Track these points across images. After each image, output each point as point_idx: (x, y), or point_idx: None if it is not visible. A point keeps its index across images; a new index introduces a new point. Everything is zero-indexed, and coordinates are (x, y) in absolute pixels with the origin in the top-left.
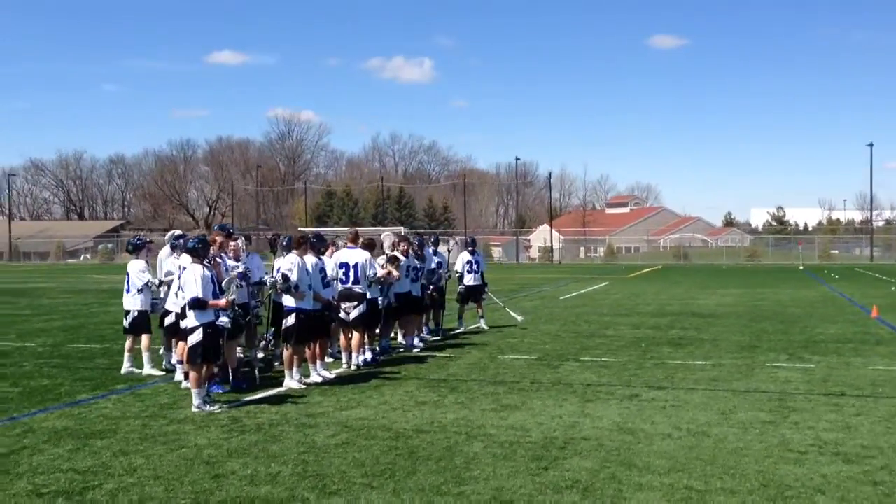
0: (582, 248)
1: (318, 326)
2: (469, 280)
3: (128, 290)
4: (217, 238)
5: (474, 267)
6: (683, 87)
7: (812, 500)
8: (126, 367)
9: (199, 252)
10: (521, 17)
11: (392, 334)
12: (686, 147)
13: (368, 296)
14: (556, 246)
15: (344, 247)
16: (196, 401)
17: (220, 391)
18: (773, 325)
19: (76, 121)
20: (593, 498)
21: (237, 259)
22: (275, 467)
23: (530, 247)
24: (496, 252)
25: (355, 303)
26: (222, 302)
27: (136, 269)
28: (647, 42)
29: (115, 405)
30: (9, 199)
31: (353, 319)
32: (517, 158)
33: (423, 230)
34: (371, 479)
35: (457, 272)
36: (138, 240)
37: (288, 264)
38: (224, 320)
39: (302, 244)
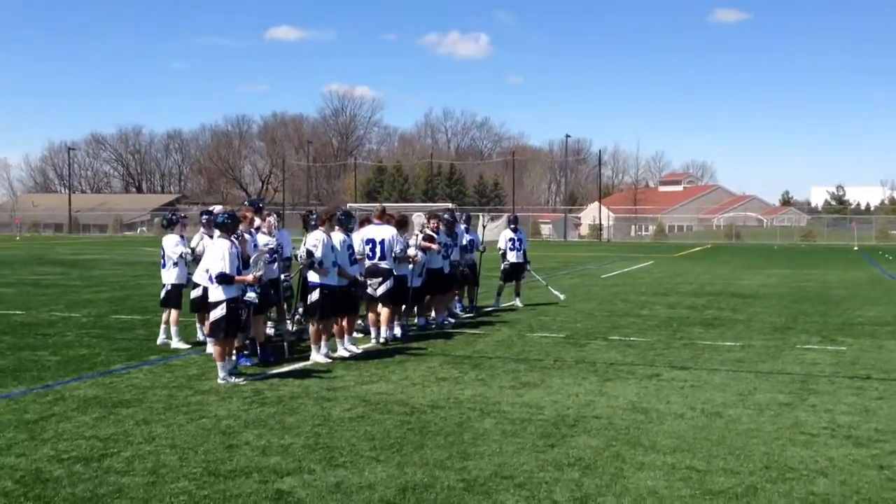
0: (633, 227)
1: (343, 302)
2: (512, 257)
3: (163, 265)
4: (247, 214)
5: (517, 244)
6: (744, 63)
7: (813, 482)
8: (161, 338)
9: (227, 227)
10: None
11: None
12: (744, 125)
13: (395, 272)
14: (606, 224)
15: (371, 223)
16: (221, 373)
17: (249, 364)
18: (812, 307)
19: (139, 96)
20: (593, 475)
21: (269, 234)
22: (288, 439)
23: (580, 224)
24: (545, 229)
25: (381, 278)
26: (249, 277)
27: (171, 244)
28: (709, 17)
29: (145, 375)
30: (69, 172)
31: (381, 295)
32: (567, 136)
33: (472, 207)
34: (379, 452)
35: (499, 249)
36: (173, 215)
37: (313, 240)
38: (251, 296)
39: (328, 221)
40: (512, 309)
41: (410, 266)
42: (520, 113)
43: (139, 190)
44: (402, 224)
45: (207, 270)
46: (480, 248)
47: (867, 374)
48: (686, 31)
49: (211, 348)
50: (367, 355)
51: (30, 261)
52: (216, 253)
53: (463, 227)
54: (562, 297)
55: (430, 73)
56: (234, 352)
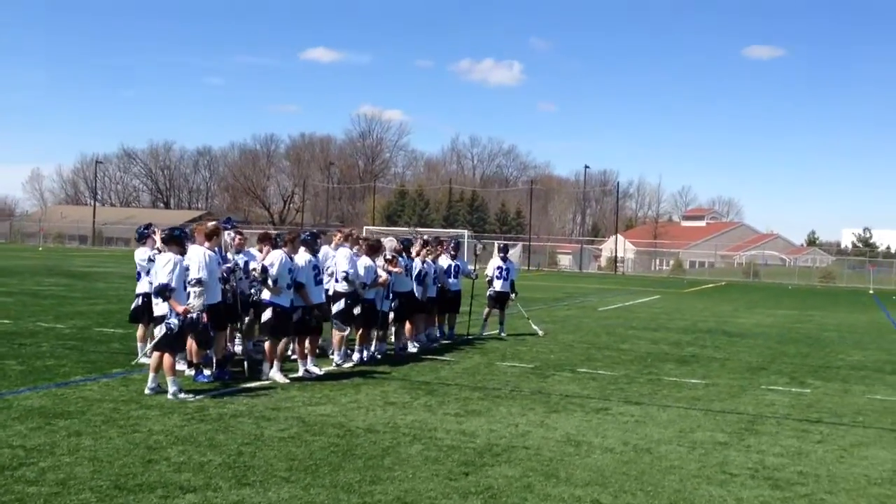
0: (654, 261)
1: (299, 323)
2: (497, 286)
3: (138, 278)
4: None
5: (503, 273)
6: (777, 100)
7: None
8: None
9: (176, 240)
10: (616, 24)
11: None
12: (774, 162)
13: (365, 296)
14: (628, 257)
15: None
16: (171, 387)
17: (205, 380)
18: (797, 348)
19: (172, 112)
20: (495, 503)
21: (238, 252)
22: (209, 456)
23: (600, 256)
24: (564, 260)
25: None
26: (179, 308)
27: (141, 256)
28: (743, 52)
29: (99, 388)
30: (94, 185)
31: (349, 318)
32: (586, 167)
33: (493, 234)
34: (292, 473)
35: (486, 276)
36: (145, 228)
37: (271, 258)
38: (173, 322)
39: (290, 242)
40: (496, 338)
41: (381, 289)
42: (548, 142)
43: (167, 205)
44: (375, 249)
45: (151, 283)
46: (472, 275)
47: (819, 417)
48: (720, 65)
49: (182, 365)
50: (330, 377)
51: (41, 271)
52: (162, 265)
53: (450, 254)
54: (541, 332)
55: (460, 99)
56: (193, 368)
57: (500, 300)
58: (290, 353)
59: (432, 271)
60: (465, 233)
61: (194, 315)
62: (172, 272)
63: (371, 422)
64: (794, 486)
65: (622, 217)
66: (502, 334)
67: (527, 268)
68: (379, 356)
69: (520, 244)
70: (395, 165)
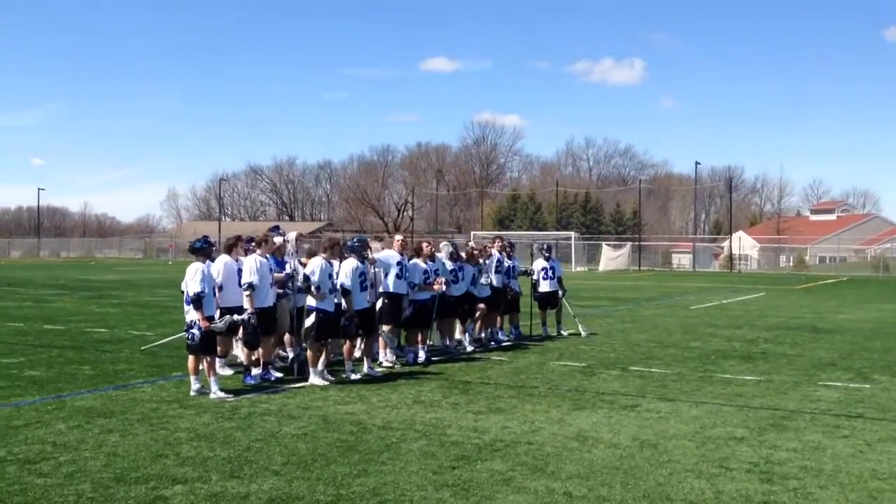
0: (780, 257)
1: (346, 328)
2: (544, 286)
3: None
4: (267, 238)
5: (549, 273)
6: None
7: None
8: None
9: (203, 251)
10: (741, 11)
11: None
12: None
13: (414, 297)
14: (751, 254)
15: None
16: (213, 386)
17: (252, 381)
18: (884, 343)
19: (294, 128)
20: (465, 496)
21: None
22: (218, 451)
23: (720, 254)
24: (683, 259)
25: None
26: (203, 322)
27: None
28: (882, 33)
29: (153, 390)
30: (220, 201)
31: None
32: (697, 163)
33: (608, 235)
34: (285, 467)
35: (533, 279)
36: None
37: (312, 266)
38: (195, 332)
39: (329, 249)
40: (561, 337)
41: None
42: (669, 140)
43: (291, 218)
44: (419, 252)
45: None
46: (530, 273)
47: (861, 413)
48: (856, 49)
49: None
50: (379, 378)
51: (160, 283)
52: (192, 275)
53: (496, 255)
54: (584, 333)
55: (578, 100)
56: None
57: (549, 300)
58: (357, 352)
59: (469, 272)
60: (572, 234)
61: (217, 328)
62: (204, 280)
63: (389, 419)
64: (787, 481)
65: (748, 213)
66: (562, 332)
67: (637, 268)
68: (433, 358)
69: (628, 245)
70: (511, 170)
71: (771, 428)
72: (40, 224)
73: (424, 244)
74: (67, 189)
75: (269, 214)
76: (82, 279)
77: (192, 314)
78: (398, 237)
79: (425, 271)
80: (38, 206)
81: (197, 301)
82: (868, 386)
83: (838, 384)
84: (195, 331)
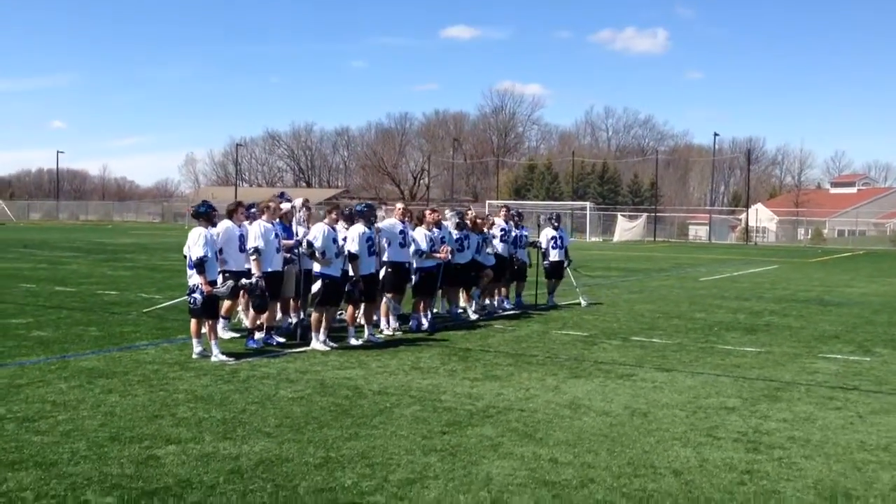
0: (801, 230)
1: (351, 292)
2: (554, 256)
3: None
4: (270, 205)
5: (559, 242)
6: None
7: (655, 480)
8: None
9: (204, 216)
10: None
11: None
12: None
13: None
14: (769, 227)
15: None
16: (214, 350)
17: (255, 345)
18: (891, 317)
19: (314, 95)
20: (449, 461)
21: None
22: (213, 413)
23: (737, 226)
24: (700, 231)
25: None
26: (205, 286)
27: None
28: None
29: (157, 352)
30: (237, 167)
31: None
32: (716, 134)
33: (625, 206)
34: (277, 429)
35: (541, 248)
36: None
37: (314, 232)
38: (196, 296)
39: (329, 213)
40: (567, 306)
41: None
42: (691, 111)
43: (308, 184)
44: (421, 220)
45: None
46: (538, 245)
47: (857, 385)
48: (881, 21)
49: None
50: (381, 344)
51: (174, 247)
52: (194, 240)
53: (504, 224)
54: (583, 303)
55: (601, 70)
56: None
57: (557, 270)
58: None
59: (474, 240)
60: (587, 205)
61: (219, 293)
62: (207, 245)
63: (386, 385)
64: (772, 450)
65: (768, 186)
66: (552, 302)
67: (653, 239)
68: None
69: (643, 216)
70: (529, 140)
71: (764, 399)
72: (59, 187)
73: (427, 212)
74: (88, 153)
75: (286, 181)
76: (98, 242)
77: (194, 278)
78: (399, 205)
79: (430, 239)
80: (58, 168)
81: (199, 265)
82: (868, 359)
83: (838, 357)
84: (197, 295)
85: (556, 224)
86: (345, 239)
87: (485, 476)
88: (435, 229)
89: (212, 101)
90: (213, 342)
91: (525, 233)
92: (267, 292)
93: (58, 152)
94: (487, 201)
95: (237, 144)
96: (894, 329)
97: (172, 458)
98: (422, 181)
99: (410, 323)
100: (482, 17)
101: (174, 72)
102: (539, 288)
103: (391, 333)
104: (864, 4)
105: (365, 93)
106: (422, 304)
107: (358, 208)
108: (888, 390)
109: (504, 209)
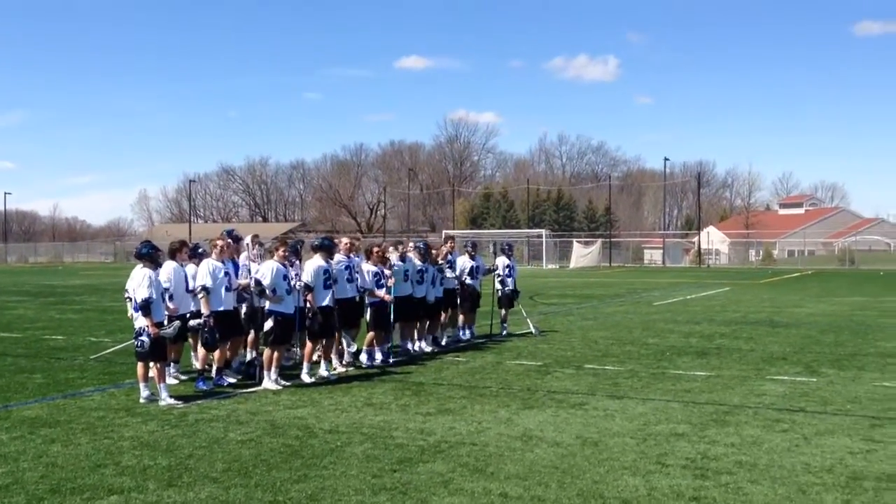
0: (751, 251)
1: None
2: (509, 284)
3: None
4: (218, 243)
5: (512, 271)
6: (887, 77)
7: None
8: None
9: (149, 258)
10: (713, 9)
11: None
12: (883, 143)
13: (366, 300)
14: (721, 249)
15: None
16: (162, 393)
17: (204, 387)
18: (837, 337)
19: (268, 128)
20: (400, 499)
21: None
22: (159, 460)
23: (690, 250)
24: (655, 255)
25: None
26: (151, 327)
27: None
28: (853, 28)
29: (103, 398)
30: (190, 203)
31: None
32: (666, 159)
33: (581, 233)
34: (224, 474)
35: (497, 275)
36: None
37: (264, 269)
38: (144, 339)
39: (276, 250)
40: (523, 335)
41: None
42: (642, 136)
43: (265, 219)
44: (368, 255)
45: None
46: (494, 269)
47: (803, 406)
48: (826, 44)
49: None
50: (335, 381)
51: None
52: (139, 281)
53: (455, 254)
54: (534, 331)
55: (553, 98)
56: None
57: (512, 299)
58: (316, 356)
59: (431, 272)
60: (543, 232)
61: (166, 334)
62: (151, 286)
63: (337, 423)
64: (719, 476)
65: (718, 208)
66: (504, 332)
67: (609, 264)
68: (390, 360)
69: (598, 241)
70: (484, 168)
71: (713, 423)
72: (8, 229)
73: (374, 247)
74: (37, 193)
75: (241, 215)
76: (47, 284)
77: (140, 321)
78: (345, 240)
79: (375, 273)
80: (5, 210)
81: (145, 307)
82: (815, 379)
83: (785, 378)
84: (144, 337)
85: (510, 253)
86: (296, 275)
87: None
88: (380, 264)
89: (165, 137)
90: (160, 385)
91: (479, 263)
92: (216, 332)
93: (5, 193)
94: (444, 231)
95: (190, 180)
96: (840, 349)
97: None
98: (378, 213)
99: (363, 358)
100: (436, 48)
101: (126, 107)
102: (494, 318)
103: (344, 370)
104: (807, 27)
105: (320, 125)
106: (374, 339)
107: (316, 242)
108: (832, 410)
109: (450, 241)
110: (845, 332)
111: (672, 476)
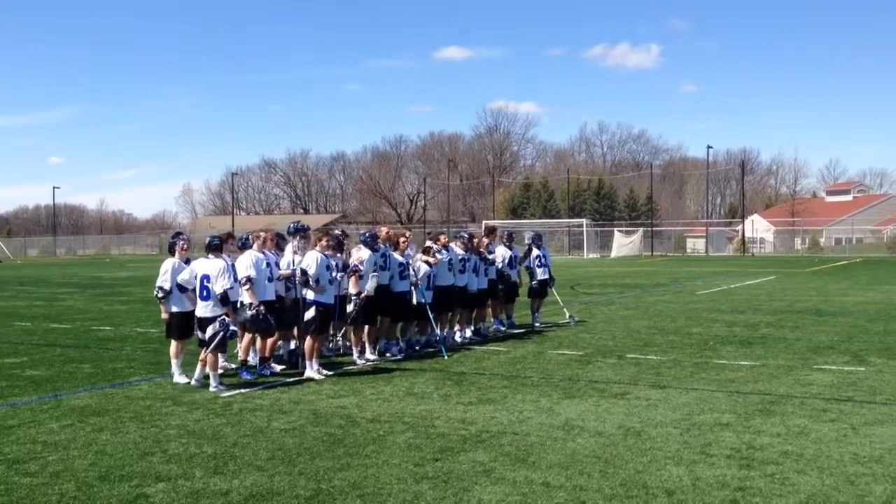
0: (798, 239)
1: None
2: (540, 274)
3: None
4: (261, 234)
5: (543, 261)
6: None
7: (648, 503)
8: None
9: (215, 247)
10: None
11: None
12: None
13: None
14: (766, 237)
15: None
16: (213, 382)
17: (249, 376)
18: (886, 326)
19: (309, 121)
20: (442, 488)
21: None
22: (205, 448)
23: (735, 238)
24: (698, 244)
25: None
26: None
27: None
28: None
29: (150, 387)
30: (233, 195)
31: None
32: (709, 146)
33: (622, 221)
34: (269, 462)
35: (527, 267)
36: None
37: (308, 260)
38: (233, 328)
39: (321, 240)
40: (564, 325)
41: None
42: (685, 124)
43: (306, 211)
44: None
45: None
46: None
47: (851, 396)
48: (874, 29)
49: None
50: (376, 370)
51: None
52: (219, 269)
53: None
54: (568, 319)
55: (594, 86)
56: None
57: (544, 289)
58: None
59: (474, 262)
60: (584, 221)
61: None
62: (228, 271)
63: (379, 412)
64: (765, 466)
65: (763, 196)
66: (536, 324)
67: (650, 254)
68: (418, 349)
69: (640, 230)
70: (524, 158)
71: (758, 413)
72: (57, 222)
73: (401, 238)
74: (85, 187)
75: (283, 207)
76: (94, 276)
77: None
78: (384, 229)
79: (400, 264)
80: (54, 204)
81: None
82: (863, 369)
83: (833, 368)
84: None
85: (539, 243)
86: (337, 265)
87: (476, 503)
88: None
89: (208, 131)
90: (211, 373)
91: (516, 253)
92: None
93: (54, 188)
94: (484, 221)
95: (233, 173)
96: (889, 338)
97: (162, 495)
98: (418, 203)
99: (391, 348)
100: (476, 38)
101: (171, 102)
102: (525, 308)
103: (376, 359)
104: (855, 12)
105: (360, 116)
106: (395, 330)
107: (361, 237)
108: (882, 400)
109: (493, 231)
110: (895, 321)
111: (717, 466)
